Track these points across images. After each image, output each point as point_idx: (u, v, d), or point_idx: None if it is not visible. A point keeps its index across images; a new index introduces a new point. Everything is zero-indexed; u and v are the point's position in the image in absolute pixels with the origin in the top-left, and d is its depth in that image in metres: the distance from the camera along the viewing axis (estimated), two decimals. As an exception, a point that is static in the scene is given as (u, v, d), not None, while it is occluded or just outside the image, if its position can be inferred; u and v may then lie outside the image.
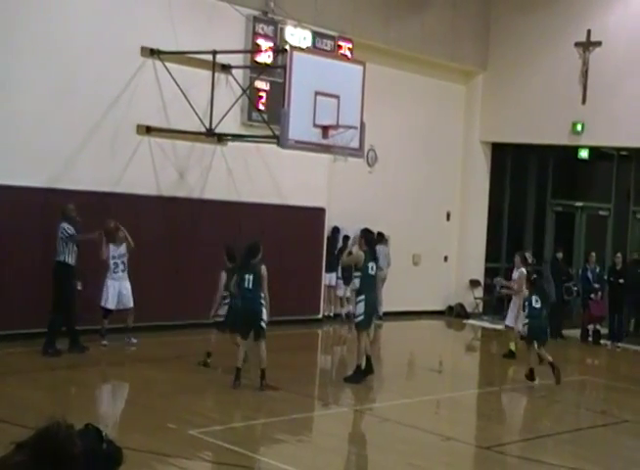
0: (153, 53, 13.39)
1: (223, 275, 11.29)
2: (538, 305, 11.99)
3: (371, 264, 11.39)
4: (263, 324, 10.27)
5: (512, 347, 13.69)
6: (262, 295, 10.31)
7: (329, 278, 16.58)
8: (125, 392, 10.38)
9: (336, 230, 16.81)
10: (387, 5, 17.05)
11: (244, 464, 7.70)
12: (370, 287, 11.41)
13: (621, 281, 16.20)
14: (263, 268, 10.37)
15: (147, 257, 13.43)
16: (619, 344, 15.95)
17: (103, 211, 13.07)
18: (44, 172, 12.39)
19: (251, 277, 10.26)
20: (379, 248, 16.48)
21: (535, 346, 11.84)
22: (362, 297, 11.35)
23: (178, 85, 13.18)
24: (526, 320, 12.13)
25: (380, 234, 16.96)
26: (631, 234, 18.50)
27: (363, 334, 11.35)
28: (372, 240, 11.89)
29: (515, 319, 13.19)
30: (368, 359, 11.36)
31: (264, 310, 10.29)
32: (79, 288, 12.80)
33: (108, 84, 13.03)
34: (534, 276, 12.79)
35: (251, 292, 10.25)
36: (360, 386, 11.00)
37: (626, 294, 16.32)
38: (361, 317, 11.32)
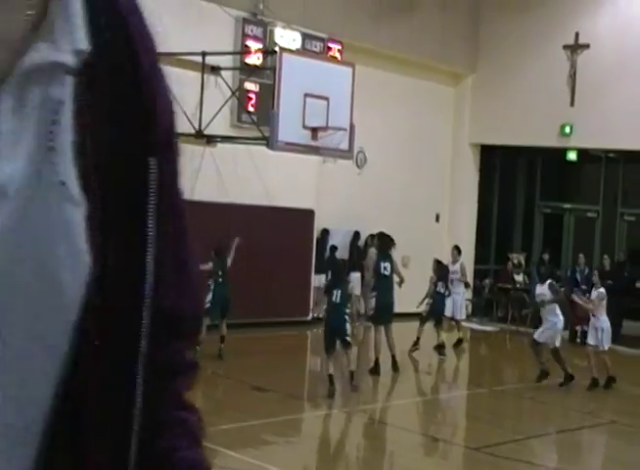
0: (142, 54, 13.36)
1: (210, 266, 11.90)
2: (442, 291, 14.11)
3: (384, 264, 12.07)
4: (348, 338, 10.78)
5: (460, 335, 14.82)
6: (348, 310, 10.98)
7: (318, 280, 16.57)
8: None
9: (325, 232, 16.82)
10: (376, 7, 17.08)
11: (234, 466, 7.69)
12: (382, 286, 12.08)
13: (610, 283, 16.31)
14: (351, 285, 11.22)
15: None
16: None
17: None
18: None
19: (339, 293, 10.73)
20: (372, 250, 16.52)
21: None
22: (374, 294, 12.20)
23: (167, 87, 13.14)
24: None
25: (373, 236, 16.99)
26: (619, 236, 18.62)
27: (378, 328, 12.12)
28: (386, 242, 12.49)
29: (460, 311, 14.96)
30: (376, 360, 11.96)
31: (348, 326, 10.88)
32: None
33: (97, 85, 13.00)
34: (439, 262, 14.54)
35: (337, 307, 10.71)
36: (349, 387, 11.01)
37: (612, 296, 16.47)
38: (371, 312, 12.32)
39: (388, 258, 12.26)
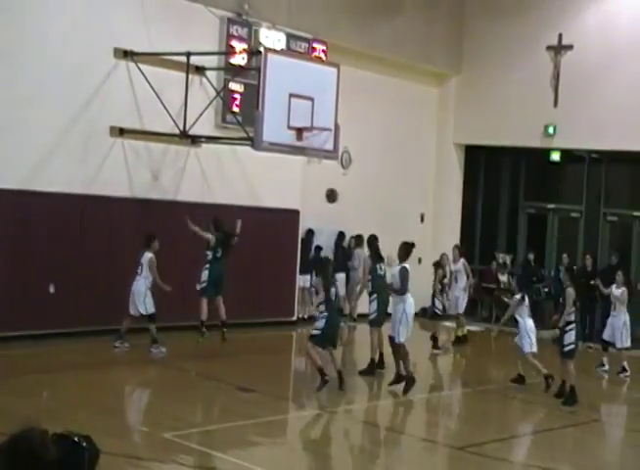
0: (126, 54, 13.32)
1: (211, 238, 12.33)
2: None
3: (379, 265, 12.23)
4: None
5: (465, 332, 15.48)
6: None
7: (303, 280, 16.58)
8: (99, 395, 10.30)
9: (310, 232, 16.82)
10: (360, 7, 17.10)
11: (218, 467, 7.69)
12: (381, 287, 12.02)
13: (592, 282, 16.42)
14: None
15: (119, 258, 13.36)
16: (591, 344, 16.16)
17: (75, 213, 12.99)
18: (17, 174, 12.28)
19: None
20: (357, 251, 16.56)
21: None
22: (374, 296, 12.06)
23: (152, 87, 13.12)
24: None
25: (358, 236, 17.02)
26: (602, 235, 18.72)
27: (375, 331, 12.04)
28: (375, 244, 12.64)
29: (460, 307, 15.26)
30: (380, 356, 12.01)
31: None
32: (52, 290, 12.70)
33: (81, 86, 12.95)
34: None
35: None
36: (333, 388, 11.04)
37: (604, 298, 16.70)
38: (374, 315, 12.02)
39: (382, 260, 12.40)
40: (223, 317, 12.23)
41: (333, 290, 10.85)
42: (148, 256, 12.16)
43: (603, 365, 13.92)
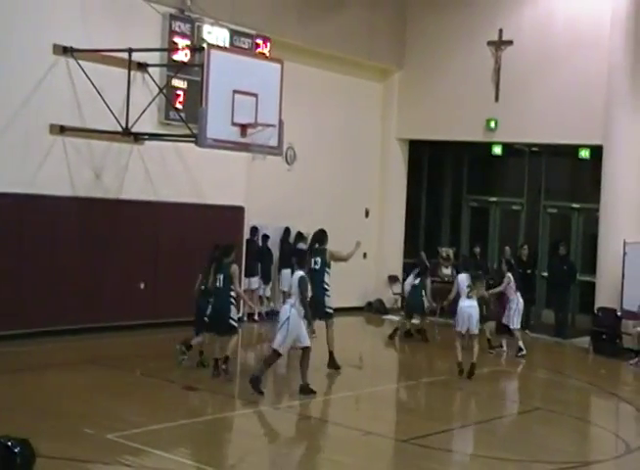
0: (66, 51, 13.13)
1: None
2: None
3: (314, 259, 12.39)
4: (232, 322, 11.10)
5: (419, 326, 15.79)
6: (232, 293, 11.02)
7: (249, 282, 16.40)
8: (38, 398, 10.17)
9: (254, 230, 16.78)
10: (304, 3, 17.13)
11: (163, 467, 7.67)
12: (312, 281, 12.08)
13: (529, 271, 17.14)
14: (234, 268, 11.11)
15: (62, 258, 13.20)
16: (527, 331, 16.73)
17: (16, 214, 12.78)
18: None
19: (222, 277, 10.97)
20: (299, 247, 16.60)
21: None
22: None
23: (93, 84, 12.97)
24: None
25: (299, 234, 17.07)
26: (542, 227, 19.15)
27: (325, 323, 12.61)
28: (316, 237, 12.67)
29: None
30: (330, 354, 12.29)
31: (233, 308, 11.09)
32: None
33: (19, 83, 12.73)
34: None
35: (220, 290, 10.99)
36: (276, 384, 11.10)
37: (550, 289, 17.49)
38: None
39: (319, 253, 12.37)
40: (227, 352, 11.12)
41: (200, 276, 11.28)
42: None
43: (501, 346, 14.82)
